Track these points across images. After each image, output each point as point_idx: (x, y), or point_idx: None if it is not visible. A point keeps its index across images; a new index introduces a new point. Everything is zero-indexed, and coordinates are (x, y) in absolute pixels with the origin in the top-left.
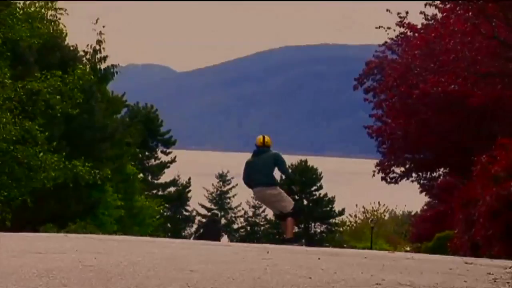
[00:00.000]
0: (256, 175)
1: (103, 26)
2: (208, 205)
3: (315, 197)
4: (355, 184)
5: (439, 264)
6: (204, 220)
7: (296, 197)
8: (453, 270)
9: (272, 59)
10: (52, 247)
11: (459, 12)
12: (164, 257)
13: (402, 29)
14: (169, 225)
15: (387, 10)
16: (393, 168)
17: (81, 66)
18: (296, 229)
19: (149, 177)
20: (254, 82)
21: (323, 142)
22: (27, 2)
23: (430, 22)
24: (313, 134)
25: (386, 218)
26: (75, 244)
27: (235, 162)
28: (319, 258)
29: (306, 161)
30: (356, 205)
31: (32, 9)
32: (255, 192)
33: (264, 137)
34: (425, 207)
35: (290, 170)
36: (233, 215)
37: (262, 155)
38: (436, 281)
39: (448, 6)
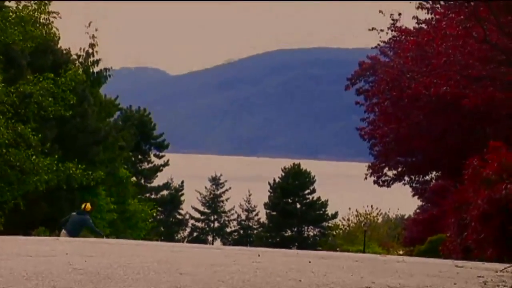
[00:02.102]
0: (69, 224)
1: (96, 30)
2: (201, 208)
3: (308, 200)
4: (348, 187)
5: (430, 267)
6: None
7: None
8: (443, 273)
9: (267, 62)
10: (43, 250)
11: (451, 15)
12: (154, 260)
13: (394, 33)
14: (162, 228)
15: (379, 12)
16: (385, 171)
17: (72, 66)
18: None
19: (142, 181)
20: (248, 85)
21: (317, 145)
22: (20, 6)
23: (422, 25)
24: (307, 137)
25: (379, 221)
26: (65, 248)
27: (229, 165)
28: (310, 261)
29: (299, 165)
30: (349, 209)
31: (25, 12)
32: (62, 233)
33: (85, 205)
34: (417, 211)
35: (97, 229)
36: (226, 218)
37: (80, 215)
38: (426, 284)
39: (440, 10)
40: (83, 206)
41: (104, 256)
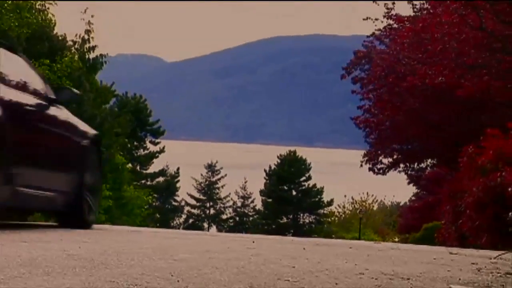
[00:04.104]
0: None
1: (92, 16)
2: (197, 195)
3: (303, 187)
4: (344, 175)
5: (424, 254)
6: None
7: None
8: (438, 260)
9: (263, 50)
10: (37, 236)
11: (447, 2)
12: (149, 246)
13: (390, 21)
14: (157, 215)
15: (373, 1)
16: (380, 158)
17: (69, 54)
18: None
19: (138, 167)
20: (244, 72)
21: (313, 133)
22: None
23: (418, 13)
24: (304, 124)
25: (374, 208)
26: (60, 234)
27: (225, 153)
28: (304, 248)
29: (295, 152)
30: (345, 196)
31: None
32: None
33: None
34: (413, 198)
35: None
36: (222, 205)
37: None
38: (420, 271)
39: None
40: None
41: (98, 242)
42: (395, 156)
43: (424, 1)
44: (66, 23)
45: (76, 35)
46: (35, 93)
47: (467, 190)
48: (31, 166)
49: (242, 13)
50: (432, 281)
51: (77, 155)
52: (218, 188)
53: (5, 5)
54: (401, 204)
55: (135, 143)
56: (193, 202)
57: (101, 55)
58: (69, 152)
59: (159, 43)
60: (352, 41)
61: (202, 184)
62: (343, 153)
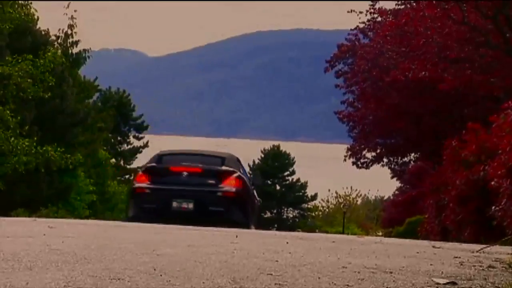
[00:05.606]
0: None
1: (75, 11)
2: None
3: (287, 182)
4: (328, 169)
5: (407, 248)
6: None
7: (269, 182)
8: (420, 254)
9: (246, 44)
10: (21, 231)
11: None
12: (132, 241)
13: (374, 14)
14: None
15: None
16: (364, 153)
17: (52, 49)
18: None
19: (122, 162)
20: (227, 67)
21: (296, 127)
22: None
23: (401, 7)
24: (287, 119)
25: (358, 203)
26: (43, 229)
27: (207, 148)
28: (287, 242)
29: (278, 146)
30: (329, 190)
31: None
32: None
33: None
34: (396, 192)
35: None
36: None
37: None
38: (402, 265)
39: None
40: None
41: (81, 237)
42: (378, 150)
43: None
44: (49, 18)
45: (59, 30)
46: (249, 178)
47: (450, 183)
48: (255, 212)
49: (225, 8)
50: (415, 275)
51: (256, 209)
52: None
53: None
54: (384, 199)
55: (119, 138)
56: None
57: (84, 49)
58: (255, 207)
59: (142, 38)
60: (335, 36)
61: None
62: (326, 147)
